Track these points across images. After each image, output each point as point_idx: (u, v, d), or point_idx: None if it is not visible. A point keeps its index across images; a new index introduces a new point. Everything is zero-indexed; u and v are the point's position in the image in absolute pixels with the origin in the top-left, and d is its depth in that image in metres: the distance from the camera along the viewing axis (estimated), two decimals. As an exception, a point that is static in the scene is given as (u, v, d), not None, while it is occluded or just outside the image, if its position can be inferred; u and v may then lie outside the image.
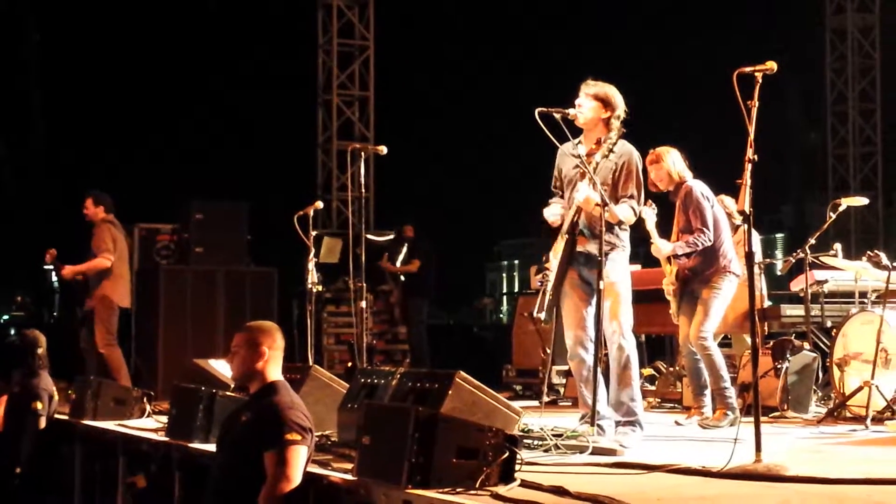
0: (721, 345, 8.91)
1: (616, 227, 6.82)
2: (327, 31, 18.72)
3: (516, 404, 6.55)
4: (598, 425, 6.53)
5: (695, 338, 8.02)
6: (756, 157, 5.70)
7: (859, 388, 8.07)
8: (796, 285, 9.77)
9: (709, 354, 8.02)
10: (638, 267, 10.47)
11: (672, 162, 8.15)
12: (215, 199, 13.63)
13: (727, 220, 8.36)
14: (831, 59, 22.19)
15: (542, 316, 6.85)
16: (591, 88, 6.90)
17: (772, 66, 5.76)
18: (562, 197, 7.06)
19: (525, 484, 5.02)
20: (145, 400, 8.96)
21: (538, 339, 11.12)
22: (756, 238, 8.98)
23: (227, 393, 7.16)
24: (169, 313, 12.35)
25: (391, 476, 4.96)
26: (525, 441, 6.25)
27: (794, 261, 9.33)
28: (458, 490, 4.84)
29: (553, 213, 6.96)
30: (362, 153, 9.18)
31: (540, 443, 6.36)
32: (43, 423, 8.49)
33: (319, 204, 9.75)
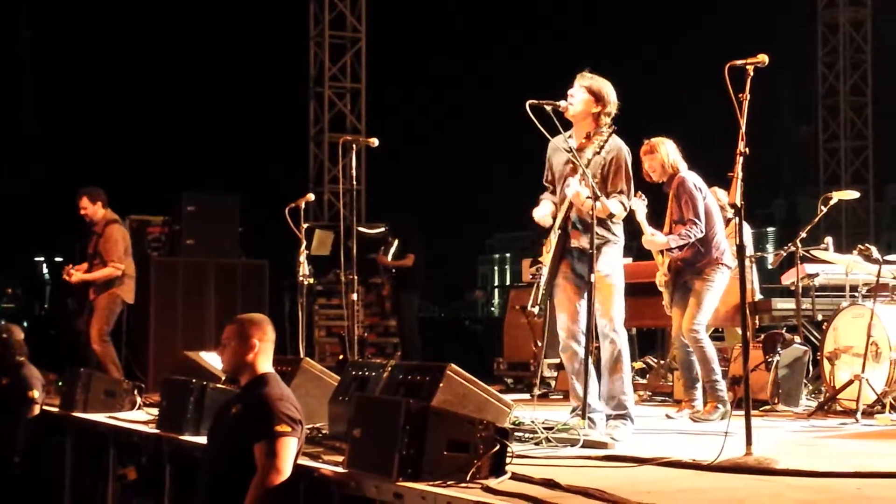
0: (714, 338, 8.91)
1: (608, 221, 6.81)
2: (319, 24, 18.68)
3: (507, 397, 6.54)
4: (590, 418, 6.54)
5: (687, 330, 8.02)
6: (748, 150, 5.70)
7: (850, 382, 8.08)
8: (787, 279, 9.78)
9: (701, 347, 8.02)
10: (629, 260, 10.48)
11: (666, 153, 8.14)
12: (207, 191, 13.63)
13: (720, 212, 8.35)
14: (823, 53, 22.20)
15: (536, 310, 6.85)
16: (585, 80, 6.88)
17: (763, 59, 5.76)
18: (553, 192, 7.06)
19: (516, 477, 5.01)
20: (136, 392, 8.94)
21: (529, 333, 11.14)
22: (747, 231, 9.00)
23: (218, 385, 7.15)
24: (160, 305, 12.34)
25: (382, 468, 4.95)
26: (516, 434, 6.24)
27: (785, 254, 9.34)
28: (448, 483, 4.82)
29: (542, 214, 6.96)
30: (354, 145, 9.18)
31: (531, 436, 6.35)
32: (37, 409, 8.54)
33: (311, 196, 9.74)
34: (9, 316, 19.17)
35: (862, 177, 21.83)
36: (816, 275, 9.52)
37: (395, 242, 13.71)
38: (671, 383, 9.84)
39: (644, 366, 10.84)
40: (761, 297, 10.00)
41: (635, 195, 7.29)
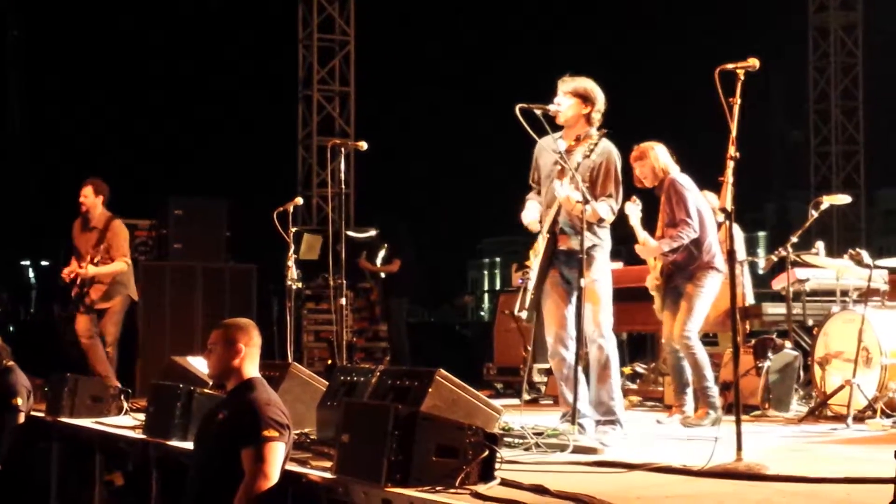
0: (706, 343, 8.88)
1: (596, 225, 6.79)
2: (307, 26, 18.63)
3: (497, 402, 6.51)
4: (579, 424, 6.51)
5: (679, 336, 7.99)
6: (738, 154, 5.68)
7: (840, 387, 8.07)
8: (778, 283, 9.76)
9: (693, 354, 7.99)
10: (620, 265, 10.46)
11: (656, 157, 8.11)
12: (195, 194, 13.59)
13: (712, 215, 8.32)
14: (814, 58, 22.21)
15: (524, 315, 6.82)
16: (568, 85, 6.87)
17: (754, 63, 5.75)
18: (538, 192, 7.03)
19: (505, 482, 5.00)
20: (123, 397, 8.90)
21: (519, 338, 11.09)
22: (738, 236, 8.97)
23: (205, 390, 7.11)
24: (147, 310, 12.31)
25: (370, 474, 4.93)
26: (505, 439, 6.23)
27: (776, 259, 9.31)
28: (437, 488, 4.81)
29: (531, 218, 6.93)
30: (342, 149, 9.14)
31: (520, 441, 6.33)
32: (22, 418, 8.45)
33: (299, 200, 9.70)
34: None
35: (853, 181, 21.83)
36: (807, 279, 9.49)
37: (384, 247, 13.68)
38: (661, 388, 9.82)
39: (633, 372, 10.82)
40: (752, 301, 9.98)
41: (629, 200, 7.27)
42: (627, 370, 10.69)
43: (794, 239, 9.15)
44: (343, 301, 9.11)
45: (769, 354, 8.77)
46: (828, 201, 9.19)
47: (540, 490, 4.82)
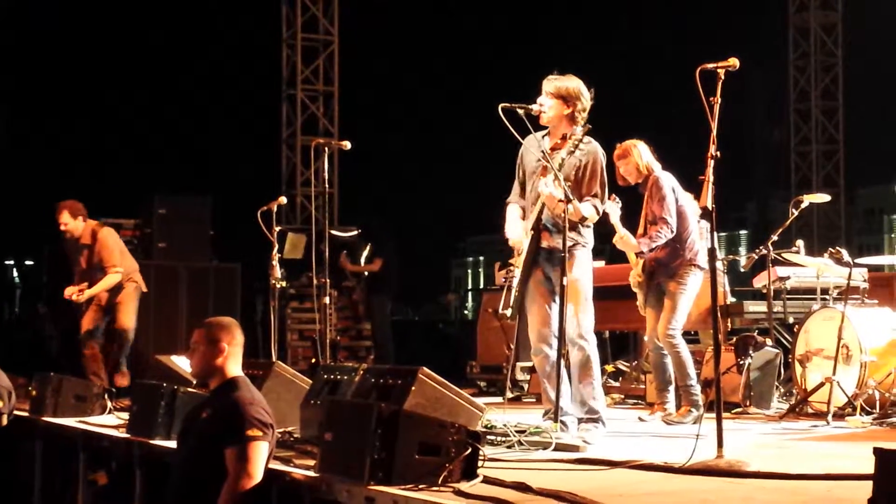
0: (688, 341, 8.92)
1: (579, 225, 6.80)
2: (291, 26, 18.61)
3: (480, 400, 6.53)
4: (562, 421, 6.53)
5: (662, 334, 8.03)
6: (719, 153, 5.70)
7: (821, 385, 8.12)
8: (759, 282, 9.80)
9: (677, 352, 8.03)
10: (602, 263, 10.49)
11: (639, 155, 8.15)
12: (178, 193, 13.57)
13: (696, 213, 8.35)
14: (794, 57, 22.27)
15: (508, 313, 6.83)
16: (550, 86, 6.86)
17: (734, 62, 5.77)
18: (522, 193, 7.04)
19: (488, 480, 5.00)
20: (106, 396, 8.88)
21: (502, 336, 11.13)
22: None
23: (189, 389, 7.10)
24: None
25: (353, 472, 4.93)
26: (488, 437, 6.23)
27: (756, 257, 9.36)
28: (420, 486, 4.82)
29: (516, 236, 6.91)
30: (326, 148, 9.16)
31: (503, 439, 6.34)
32: (4, 420, 8.40)
33: (283, 199, 9.72)
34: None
35: (833, 180, 21.89)
36: (788, 278, 9.55)
37: (367, 246, 13.67)
38: (644, 386, 9.86)
39: (615, 370, 10.85)
40: (733, 299, 10.02)
41: (609, 198, 7.30)
42: (610, 368, 10.72)
43: (775, 237, 9.19)
44: (327, 300, 9.12)
45: (750, 352, 8.80)
46: (808, 200, 9.24)
47: (522, 487, 4.83)
